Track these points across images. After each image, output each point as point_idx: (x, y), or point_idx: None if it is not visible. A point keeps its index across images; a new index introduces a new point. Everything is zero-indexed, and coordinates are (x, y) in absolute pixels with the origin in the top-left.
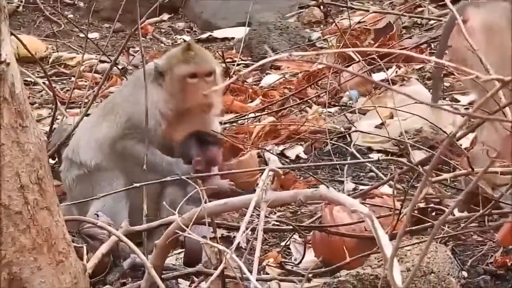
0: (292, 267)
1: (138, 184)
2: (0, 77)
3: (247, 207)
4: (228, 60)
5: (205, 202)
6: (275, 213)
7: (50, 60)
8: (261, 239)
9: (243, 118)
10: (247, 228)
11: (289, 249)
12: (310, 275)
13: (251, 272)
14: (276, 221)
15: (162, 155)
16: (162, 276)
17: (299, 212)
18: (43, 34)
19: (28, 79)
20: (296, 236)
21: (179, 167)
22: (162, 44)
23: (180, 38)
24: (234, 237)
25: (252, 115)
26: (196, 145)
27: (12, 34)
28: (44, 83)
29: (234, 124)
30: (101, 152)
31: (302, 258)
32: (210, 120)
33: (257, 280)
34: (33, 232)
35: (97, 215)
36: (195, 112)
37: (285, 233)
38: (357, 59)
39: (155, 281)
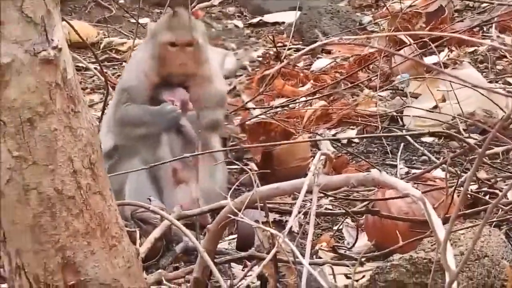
0: (344, 251)
1: (148, 166)
2: (52, 63)
3: (299, 191)
4: (279, 44)
5: (257, 186)
6: (327, 197)
7: (101, 46)
8: (314, 223)
9: (294, 102)
10: (299, 212)
11: (342, 233)
12: (363, 259)
13: (303, 256)
14: (329, 205)
15: (147, 107)
16: (215, 261)
17: (351, 196)
18: (94, 20)
19: (80, 64)
20: (348, 220)
21: (163, 110)
22: (213, 29)
23: (231, 23)
24: (286, 221)
25: (303, 99)
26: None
27: (63, 20)
28: (95, 68)
29: (286, 108)
30: (111, 133)
31: (355, 242)
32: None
33: (310, 264)
34: (86, 216)
35: (149, 200)
36: (177, 79)
37: (338, 217)
38: (408, 43)
39: (208, 265)
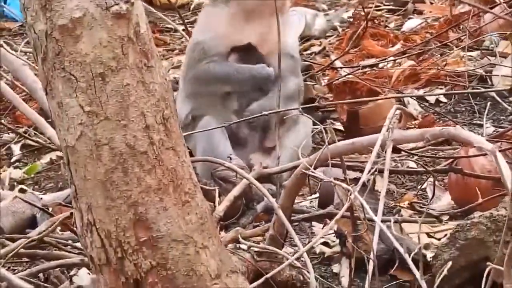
0: (426, 210)
1: (227, 123)
2: (125, 17)
3: (373, 145)
4: (370, 5)
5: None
6: (412, 156)
7: (192, 7)
8: (389, 180)
9: (383, 62)
10: (373, 169)
11: (426, 192)
12: (444, 217)
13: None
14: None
15: (234, 65)
16: (292, 218)
17: (436, 154)
18: None
19: (169, 25)
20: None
21: (259, 70)
22: None
23: None
24: (369, 180)
25: (392, 59)
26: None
27: None
28: (184, 30)
29: (374, 68)
30: (186, 98)
31: (431, 198)
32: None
33: (383, 221)
34: (159, 172)
35: (230, 158)
36: (264, 13)
37: (422, 176)
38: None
39: (284, 223)
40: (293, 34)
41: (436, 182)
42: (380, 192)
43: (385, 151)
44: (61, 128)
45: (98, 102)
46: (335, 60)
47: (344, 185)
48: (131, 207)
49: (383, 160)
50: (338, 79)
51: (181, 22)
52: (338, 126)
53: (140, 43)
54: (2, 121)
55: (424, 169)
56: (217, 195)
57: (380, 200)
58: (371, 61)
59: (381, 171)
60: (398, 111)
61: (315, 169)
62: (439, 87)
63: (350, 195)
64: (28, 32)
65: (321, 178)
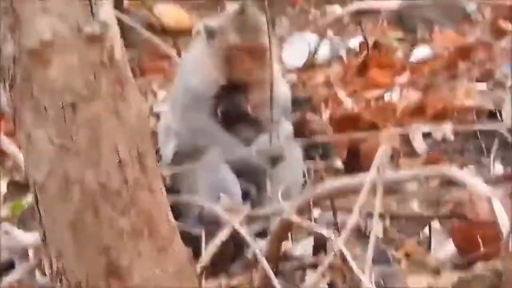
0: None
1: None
2: (98, 40)
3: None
4: (378, 32)
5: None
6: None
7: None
8: (378, 223)
9: (387, 93)
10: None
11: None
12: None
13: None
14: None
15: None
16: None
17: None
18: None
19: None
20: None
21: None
22: (310, 15)
23: (330, 9)
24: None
25: (398, 90)
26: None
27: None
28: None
29: (379, 99)
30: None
31: (429, 244)
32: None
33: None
34: (133, 214)
35: (219, 197)
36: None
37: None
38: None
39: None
40: (283, 82)
41: (439, 227)
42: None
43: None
44: (30, 164)
45: (68, 134)
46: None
47: (327, 233)
48: (102, 253)
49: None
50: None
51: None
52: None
53: (115, 69)
54: None
55: (425, 215)
56: (203, 239)
57: (369, 249)
58: (376, 92)
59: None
60: (389, 149)
61: (303, 212)
62: (447, 122)
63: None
64: None
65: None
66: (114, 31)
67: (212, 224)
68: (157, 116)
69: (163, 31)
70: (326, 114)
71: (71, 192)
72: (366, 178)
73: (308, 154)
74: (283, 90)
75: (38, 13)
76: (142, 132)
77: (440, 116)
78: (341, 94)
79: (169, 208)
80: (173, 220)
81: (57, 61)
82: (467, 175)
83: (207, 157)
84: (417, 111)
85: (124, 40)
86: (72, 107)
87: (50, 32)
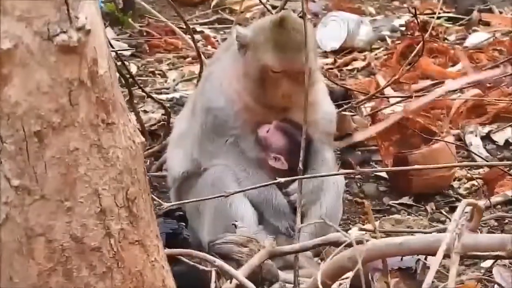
0: None
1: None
2: (76, 51)
3: (429, 252)
4: (427, 11)
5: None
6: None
7: (213, 4)
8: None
9: (439, 87)
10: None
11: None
12: None
13: None
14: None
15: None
16: None
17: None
18: None
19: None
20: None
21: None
22: None
23: None
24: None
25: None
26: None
27: None
28: (191, 38)
29: (428, 94)
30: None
31: None
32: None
33: None
34: (117, 278)
35: (235, 226)
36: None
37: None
38: None
39: None
40: (330, 107)
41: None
42: None
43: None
44: None
45: (32, 173)
46: (383, 88)
47: None
48: None
49: None
50: (383, 109)
51: (201, 21)
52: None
53: (98, 90)
54: None
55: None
56: (213, 278)
57: None
58: (426, 83)
59: None
60: (468, 207)
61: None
62: (510, 124)
63: None
64: None
65: None
66: (99, 38)
67: (225, 258)
68: (165, 107)
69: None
70: (366, 110)
71: (34, 247)
72: (438, 241)
73: (344, 158)
74: (327, 111)
75: None
76: (133, 171)
77: (502, 117)
78: (383, 82)
79: (166, 266)
80: (172, 283)
81: (19, 78)
82: None
83: (214, 172)
84: (475, 110)
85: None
86: (38, 138)
87: (11, 39)
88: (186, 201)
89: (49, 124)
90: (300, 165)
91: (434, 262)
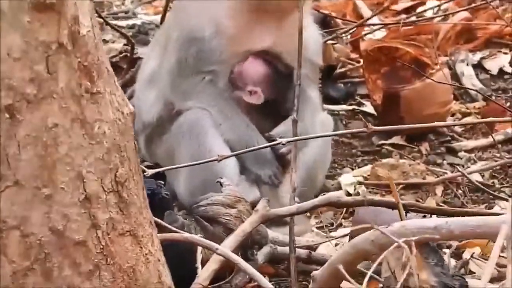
0: None
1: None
2: (53, 8)
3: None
4: None
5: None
6: None
7: None
8: None
9: (426, 10)
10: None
11: None
12: None
13: None
14: None
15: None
16: None
17: None
18: None
19: None
20: None
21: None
22: None
23: None
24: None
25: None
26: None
27: None
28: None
29: (415, 17)
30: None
31: None
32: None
33: None
34: (106, 276)
35: (220, 184)
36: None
37: None
38: None
39: None
40: (315, 33)
41: None
42: None
43: None
44: None
45: (4, 155)
46: (371, 17)
47: None
48: None
49: None
50: (364, 36)
51: None
52: (369, 108)
53: (80, 53)
54: None
55: None
56: (199, 251)
57: None
58: (408, 4)
59: None
60: None
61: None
62: (503, 50)
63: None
64: None
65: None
66: None
67: (211, 222)
68: (127, 37)
69: None
70: (347, 38)
71: (7, 242)
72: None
73: (326, 93)
74: (315, 39)
75: None
76: (122, 148)
77: (494, 43)
78: (361, 4)
79: (163, 260)
80: (168, 280)
81: None
82: None
83: (190, 116)
84: (464, 35)
85: None
86: (9, 113)
87: None
88: (174, 166)
89: (22, 96)
90: (295, 115)
91: (493, 252)
